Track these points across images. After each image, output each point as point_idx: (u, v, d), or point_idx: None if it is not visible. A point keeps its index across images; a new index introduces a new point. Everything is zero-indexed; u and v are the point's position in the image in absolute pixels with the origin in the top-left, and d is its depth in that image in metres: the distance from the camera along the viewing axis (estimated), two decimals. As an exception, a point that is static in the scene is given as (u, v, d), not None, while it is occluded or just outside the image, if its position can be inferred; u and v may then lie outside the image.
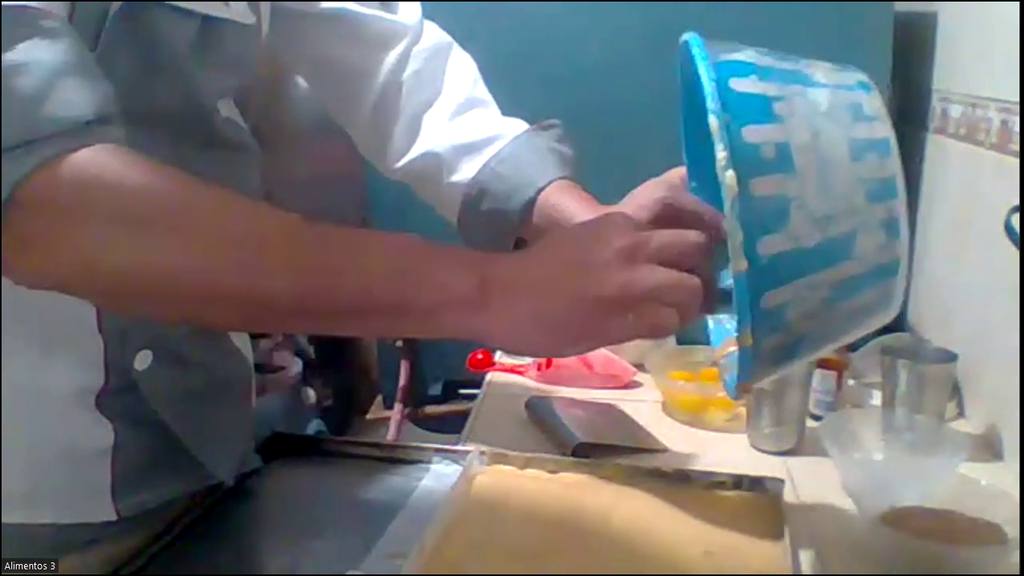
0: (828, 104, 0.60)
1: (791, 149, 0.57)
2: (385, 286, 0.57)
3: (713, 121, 0.55)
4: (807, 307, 0.57)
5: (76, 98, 0.54)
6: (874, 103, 0.62)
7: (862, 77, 0.64)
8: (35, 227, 0.53)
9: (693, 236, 0.61)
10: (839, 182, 0.58)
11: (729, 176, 0.54)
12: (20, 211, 0.52)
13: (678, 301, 0.58)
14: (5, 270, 0.55)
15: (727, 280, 0.73)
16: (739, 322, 0.56)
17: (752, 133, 0.56)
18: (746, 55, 0.60)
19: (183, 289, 0.56)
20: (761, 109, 0.57)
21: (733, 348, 0.67)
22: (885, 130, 0.61)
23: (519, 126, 0.88)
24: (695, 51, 0.59)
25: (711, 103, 0.56)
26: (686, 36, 0.64)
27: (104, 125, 0.55)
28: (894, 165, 0.60)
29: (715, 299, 0.62)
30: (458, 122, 0.88)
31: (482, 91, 0.91)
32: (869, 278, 0.60)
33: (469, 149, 0.86)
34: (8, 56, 0.52)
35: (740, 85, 0.58)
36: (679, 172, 0.77)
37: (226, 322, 0.62)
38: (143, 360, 0.69)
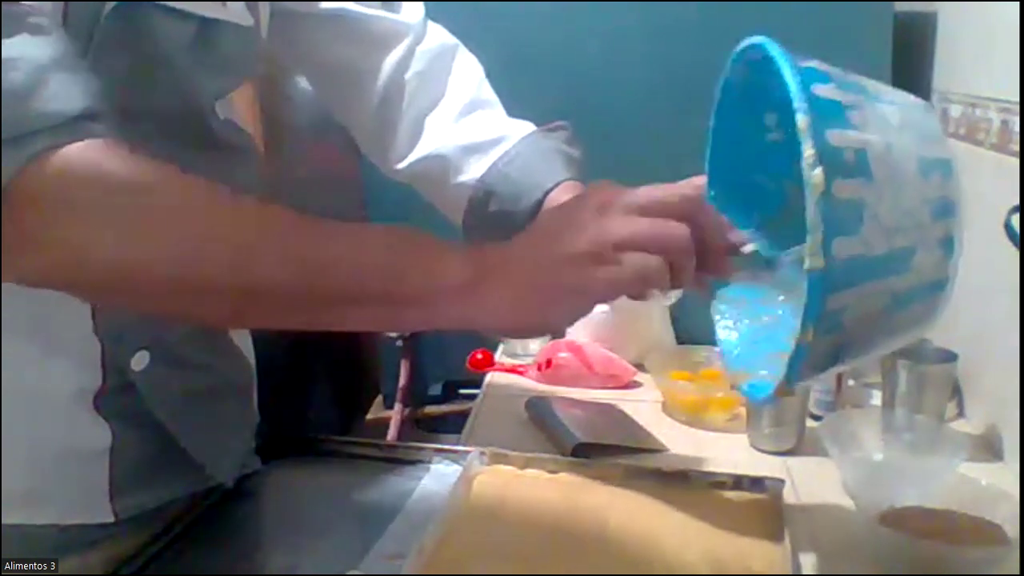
0: (898, 120, 0.61)
1: (869, 157, 0.57)
2: (376, 276, 0.57)
3: (802, 119, 0.56)
4: (862, 313, 0.58)
5: (64, 93, 0.54)
6: (935, 126, 0.64)
7: (921, 101, 0.66)
8: (24, 223, 0.52)
9: (679, 191, 0.60)
10: (908, 196, 0.59)
11: (817, 174, 0.54)
12: (9, 208, 0.52)
13: (664, 249, 0.57)
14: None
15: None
16: (804, 319, 0.56)
17: (835, 136, 0.56)
18: (817, 63, 0.61)
19: (172, 282, 0.55)
20: (841, 115, 0.58)
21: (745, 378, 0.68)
22: (947, 151, 0.62)
23: (526, 127, 0.88)
24: (774, 52, 0.60)
25: (799, 103, 0.56)
26: (755, 40, 0.64)
27: (92, 121, 0.55)
28: (957, 187, 0.61)
29: (724, 260, 0.61)
30: (463, 123, 0.88)
31: (487, 92, 0.91)
32: (921, 292, 0.61)
33: (475, 150, 0.86)
34: None
35: (821, 91, 0.58)
36: (697, 181, 0.76)
37: (217, 316, 0.61)
38: (140, 361, 0.69)
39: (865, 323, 0.59)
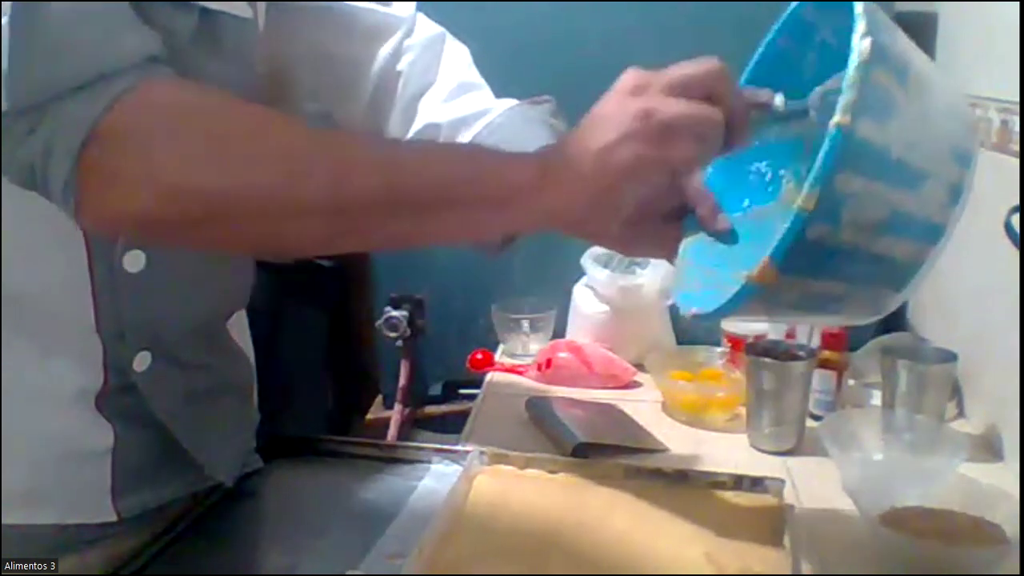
0: (932, 69, 0.64)
1: (908, 71, 0.60)
2: (458, 180, 0.59)
3: (859, 5, 0.58)
4: (862, 216, 0.58)
5: (139, 35, 0.56)
6: (962, 96, 0.66)
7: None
8: (118, 159, 0.54)
9: (712, 62, 0.61)
10: (933, 124, 0.61)
11: (866, 44, 0.56)
12: (101, 146, 0.53)
13: (701, 131, 0.59)
14: (84, 212, 0.55)
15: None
16: (813, 179, 0.56)
17: (885, 36, 0.58)
18: None
19: (270, 205, 0.56)
20: (892, 33, 0.61)
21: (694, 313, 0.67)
22: (971, 113, 0.65)
23: (511, 102, 0.89)
24: None
25: None
26: None
27: (162, 62, 0.57)
28: (975, 144, 0.63)
29: (744, 129, 0.62)
30: (452, 103, 0.89)
31: (475, 75, 0.92)
32: (917, 228, 0.61)
33: (462, 123, 0.87)
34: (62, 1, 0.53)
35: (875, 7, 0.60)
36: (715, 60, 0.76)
37: (314, 238, 0.61)
38: (142, 361, 0.69)
39: (860, 232, 0.59)
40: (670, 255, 0.70)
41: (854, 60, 0.56)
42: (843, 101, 0.56)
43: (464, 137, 0.86)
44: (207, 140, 0.55)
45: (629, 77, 0.60)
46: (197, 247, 0.64)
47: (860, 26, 0.57)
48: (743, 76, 0.73)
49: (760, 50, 0.72)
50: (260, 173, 0.56)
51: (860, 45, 0.56)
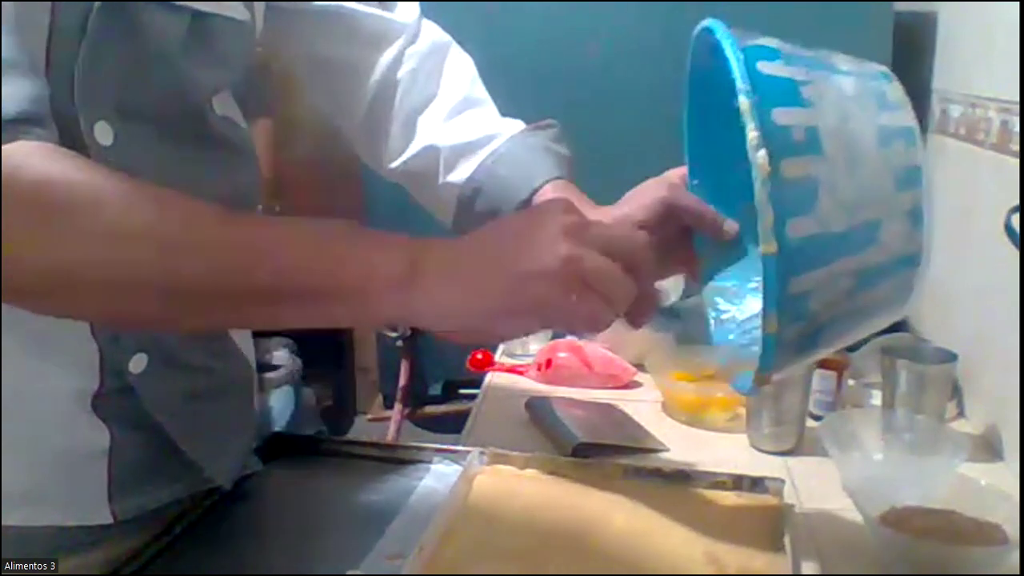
0: (854, 91, 0.60)
1: (820, 133, 0.56)
2: (309, 268, 0.56)
3: (743, 101, 0.55)
4: (831, 295, 0.57)
5: None
6: (897, 92, 0.62)
7: (883, 68, 0.64)
8: None
9: (641, 236, 0.60)
10: (867, 168, 0.58)
11: (761, 156, 0.53)
12: None
13: (614, 296, 0.57)
14: None
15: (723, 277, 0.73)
16: (765, 308, 0.55)
17: (782, 115, 0.55)
18: (769, 41, 0.60)
19: (101, 285, 0.55)
20: (790, 92, 0.57)
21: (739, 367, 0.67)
22: (909, 119, 0.61)
23: (516, 126, 0.88)
24: (719, 34, 0.59)
25: (741, 84, 0.55)
26: (706, 23, 0.63)
27: (28, 124, 0.54)
28: (919, 154, 0.60)
29: (649, 311, 0.61)
30: (455, 122, 0.87)
31: (479, 91, 0.91)
32: (891, 267, 0.59)
33: (465, 149, 0.86)
34: None
35: (768, 68, 0.57)
36: (679, 172, 0.77)
37: (149, 318, 0.59)
38: (138, 363, 0.69)
39: (835, 306, 0.58)
40: (691, 272, 0.70)
41: (757, 175, 0.53)
42: (761, 227, 0.53)
43: (467, 166, 0.85)
44: (35, 216, 0.53)
45: (565, 219, 0.57)
46: (43, 314, 0.62)
47: (751, 133, 0.54)
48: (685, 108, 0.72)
49: (687, 79, 0.71)
50: (85, 252, 0.54)
51: (756, 159, 0.54)
